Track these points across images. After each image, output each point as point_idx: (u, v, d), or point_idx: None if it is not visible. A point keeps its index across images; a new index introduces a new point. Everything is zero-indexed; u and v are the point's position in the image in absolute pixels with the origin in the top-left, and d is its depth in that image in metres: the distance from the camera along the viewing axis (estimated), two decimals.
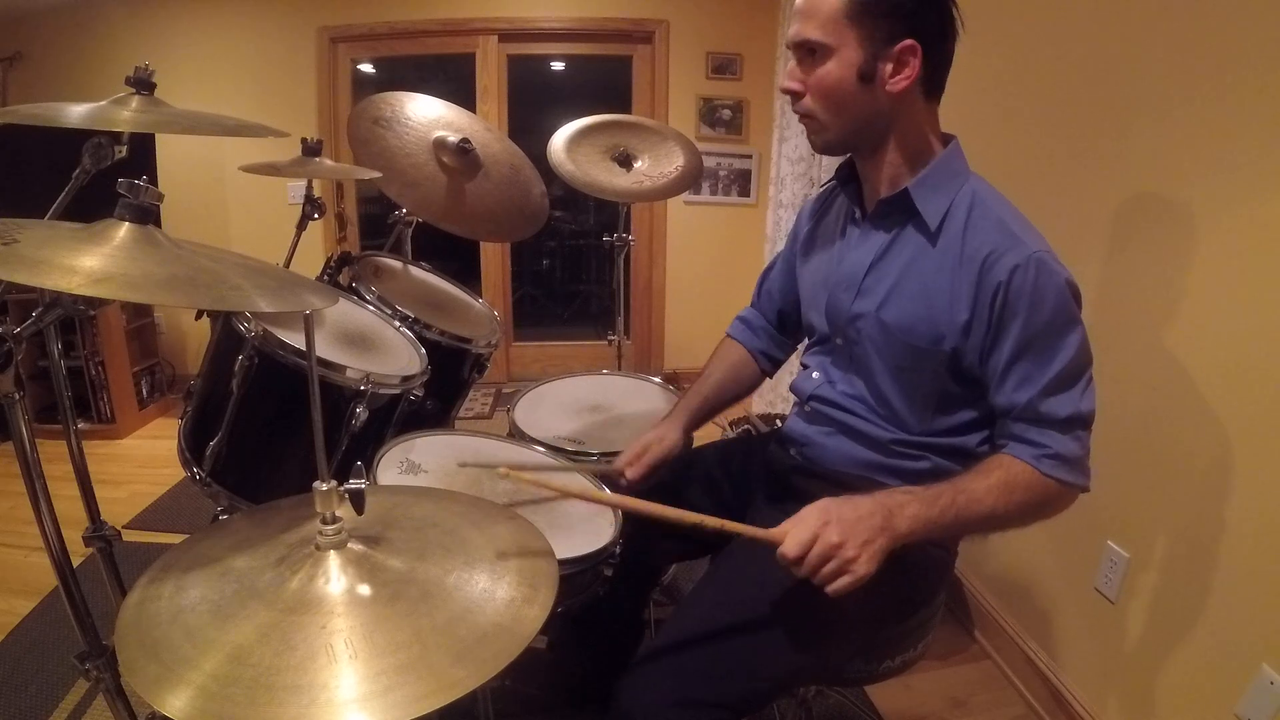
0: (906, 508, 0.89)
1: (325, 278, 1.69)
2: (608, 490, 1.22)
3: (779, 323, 1.32)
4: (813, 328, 1.18)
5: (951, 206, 0.98)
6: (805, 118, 1.00)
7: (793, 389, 1.21)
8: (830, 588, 0.85)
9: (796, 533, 0.85)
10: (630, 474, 1.16)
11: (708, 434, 1.30)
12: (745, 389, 1.32)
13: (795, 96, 0.99)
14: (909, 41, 0.91)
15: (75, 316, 0.77)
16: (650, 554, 1.30)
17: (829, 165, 2.75)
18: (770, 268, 1.33)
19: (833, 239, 1.14)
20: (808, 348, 1.22)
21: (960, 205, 0.98)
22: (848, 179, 1.11)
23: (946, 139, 1.03)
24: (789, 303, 1.29)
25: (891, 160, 1.01)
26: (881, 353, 1.04)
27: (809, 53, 0.95)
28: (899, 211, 1.02)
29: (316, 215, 1.79)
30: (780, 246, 1.35)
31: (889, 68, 0.93)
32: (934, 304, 0.98)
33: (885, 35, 0.91)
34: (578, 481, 1.25)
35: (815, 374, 1.16)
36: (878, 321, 1.03)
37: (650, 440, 1.19)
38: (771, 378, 1.37)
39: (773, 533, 0.87)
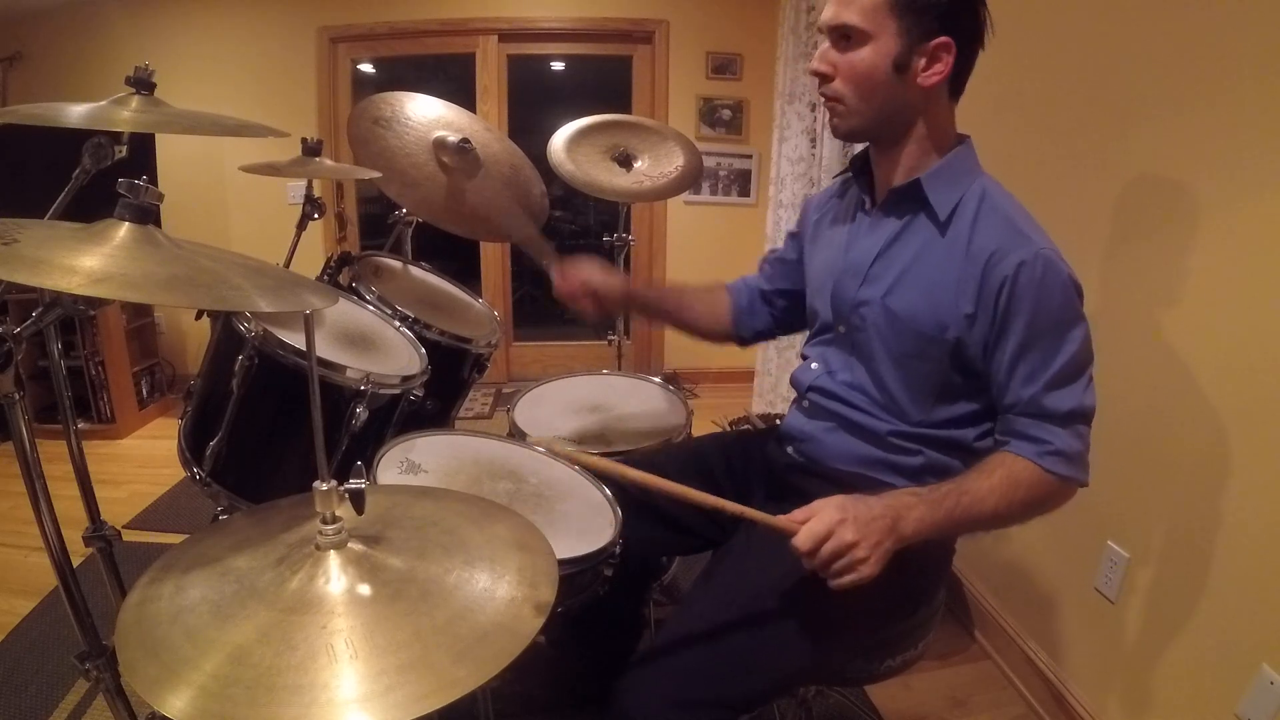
0: (913, 510, 0.90)
1: (325, 278, 1.69)
2: (608, 491, 1.22)
3: (775, 295, 1.33)
4: (815, 315, 1.19)
5: (961, 201, 0.99)
6: (832, 101, 1.01)
7: (792, 382, 1.21)
8: (835, 583, 0.86)
9: (812, 525, 0.86)
10: (558, 279, 1.26)
11: (707, 431, 1.30)
12: (701, 325, 1.36)
13: (824, 79, 1.00)
14: (945, 39, 0.93)
15: (75, 316, 0.77)
16: (650, 552, 1.30)
17: (829, 165, 2.76)
18: (774, 250, 1.35)
19: (842, 228, 1.15)
20: (809, 339, 1.22)
21: (970, 200, 0.99)
22: (861, 169, 1.12)
23: (961, 138, 1.04)
24: (789, 281, 1.30)
25: (910, 153, 1.02)
26: (885, 340, 1.05)
27: (844, 37, 0.96)
28: (909, 200, 1.03)
29: (316, 215, 1.79)
30: (780, 246, 1.36)
31: (923, 62, 0.94)
32: (939, 294, 0.99)
33: (924, 30, 0.93)
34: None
35: (815, 364, 1.16)
36: (883, 308, 1.04)
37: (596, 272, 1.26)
38: (740, 344, 1.39)
39: (786, 522, 0.88)
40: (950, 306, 0.98)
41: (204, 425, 1.34)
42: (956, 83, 0.99)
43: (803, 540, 0.86)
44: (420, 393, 1.43)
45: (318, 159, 1.64)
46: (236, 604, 0.69)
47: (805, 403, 1.17)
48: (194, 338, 3.63)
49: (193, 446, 1.35)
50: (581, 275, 1.27)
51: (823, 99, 1.03)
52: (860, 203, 1.13)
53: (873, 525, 0.87)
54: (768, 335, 1.37)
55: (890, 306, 1.03)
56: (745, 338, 1.36)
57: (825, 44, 1.00)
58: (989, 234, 0.96)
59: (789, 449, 1.19)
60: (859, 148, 1.12)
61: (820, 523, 0.86)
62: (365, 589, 0.71)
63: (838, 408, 1.11)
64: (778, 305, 1.33)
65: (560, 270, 1.29)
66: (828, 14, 0.98)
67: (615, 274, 1.31)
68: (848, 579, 0.86)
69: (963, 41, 0.95)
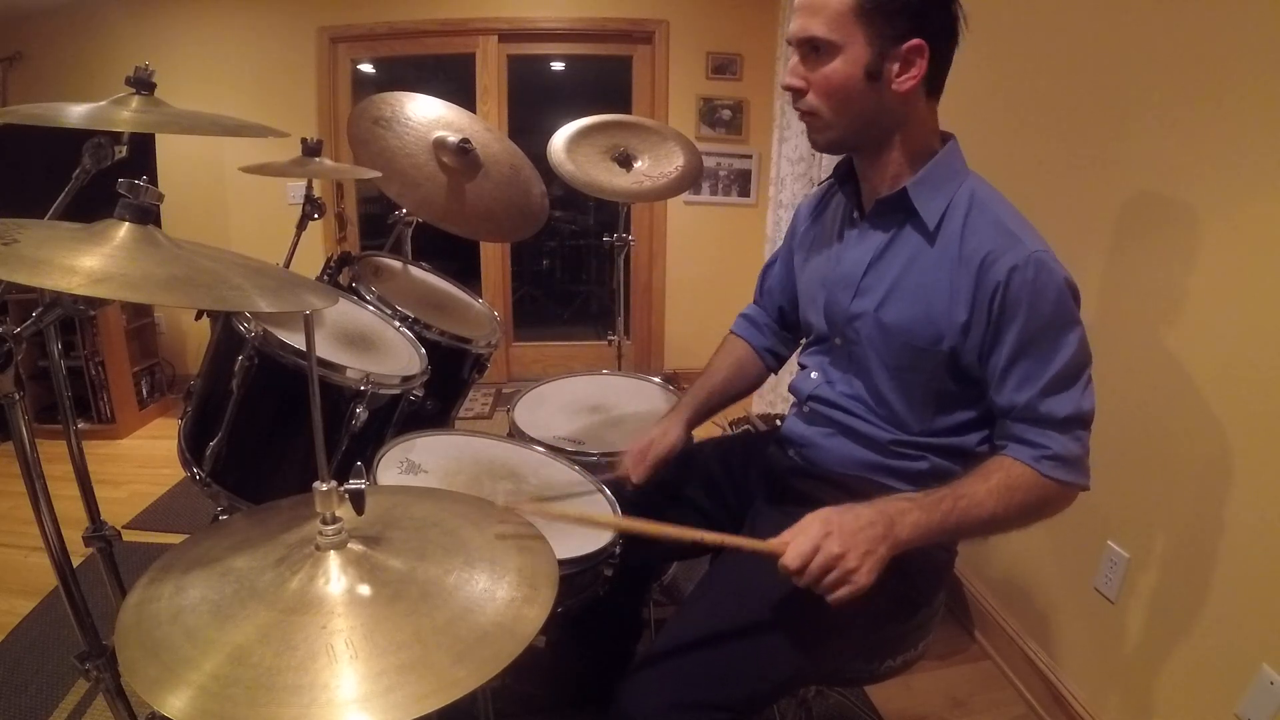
0: (907, 515, 0.89)
1: (325, 278, 1.69)
2: (607, 491, 1.22)
3: (780, 319, 1.32)
4: (810, 327, 1.18)
5: (950, 206, 0.98)
6: (808, 115, 0.99)
7: (791, 390, 1.21)
8: (831, 597, 0.85)
9: (798, 544, 0.85)
10: (635, 478, 1.15)
11: (707, 432, 1.30)
12: (750, 386, 1.32)
13: (797, 94, 0.98)
14: (917, 41, 0.91)
15: (75, 316, 0.77)
16: (650, 554, 1.30)
17: (828, 165, 2.76)
18: (770, 264, 1.33)
19: (831, 238, 1.14)
20: (805, 348, 1.22)
21: (958, 205, 0.98)
22: (845, 178, 1.11)
23: (945, 138, 1.02)
24: (788, 299, 1.28)
25: (894, 160, 1.00)
26: (880, 353, 1.04)
27: (813, 49, 0.94)
28: (897, 211, 1.02)
29: (316, 215, 1.79)
30: (772, 263, 1.34)
31: (896, 67, 0.92)
32: (932, 304, 0.98)
33: (893, 34, 0.91)
34: (577, 507, 1.22)
35: (814, 374, 1.15)
36: (876, 321, 1.03)
37: (653, 437, 1.18)
38: (776, 374, 1.37)
39: (773, 544, 0.87)
40: (944, 316, 0.97)
41: (204, 425, 1.34)
42: (934, 83, 0.97)
43: (790, 559, 0.84)
44: (420, 393, 1.43)
45: (318, 159, 1.64)
46: (236, 604, 0.69)
47: (805, 409, 1.16)
48: (194, 338, 3.63)
49: (193, 447, 1.35)
50: (650, 459, 1.17)
51: (798, 113, 1.00)
52: (848, 212, 1.11)
53: (860, 535, 0.85)
54: (793, 351, 1.35)
55: (883, 319, 1.02)
56: (778, 367, 1.35)
57: (795, 58, 0.97)
58: (980, 237, 0.95)
59: (790, 452, 1.18)
60: None
61: (806, 539, 0.85)
62: (365, 589, 0.71)
63: (838, 416, 1.11)
64: (790, 325, 1.32)
65: (625, 470, 1.18)
66: (794, 27, 0.95)
67: (672, 422, 1.22)
68: (843, 592, 0.84)
69: (936, 41, 0.92)
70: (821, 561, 0.84)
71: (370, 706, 0.59)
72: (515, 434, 1.47)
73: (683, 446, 1.20)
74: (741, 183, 3.73)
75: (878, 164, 1.02)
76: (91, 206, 0.84)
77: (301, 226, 1.79)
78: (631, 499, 1.20)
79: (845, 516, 0.87)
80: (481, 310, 1.92)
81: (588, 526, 1.11)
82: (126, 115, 0.97)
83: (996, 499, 0.92)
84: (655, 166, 1.98)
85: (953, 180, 0.99)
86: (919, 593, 1.08)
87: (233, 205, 3.58)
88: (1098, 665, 1.55)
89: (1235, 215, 1.22)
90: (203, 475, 1.32)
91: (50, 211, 0.99)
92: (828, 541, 0.84)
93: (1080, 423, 0.95)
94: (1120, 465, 1.43)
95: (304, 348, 1.24)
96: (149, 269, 0.68)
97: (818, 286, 1.14)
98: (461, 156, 1.81)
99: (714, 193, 3.74)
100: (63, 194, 1.01)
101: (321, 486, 0.74)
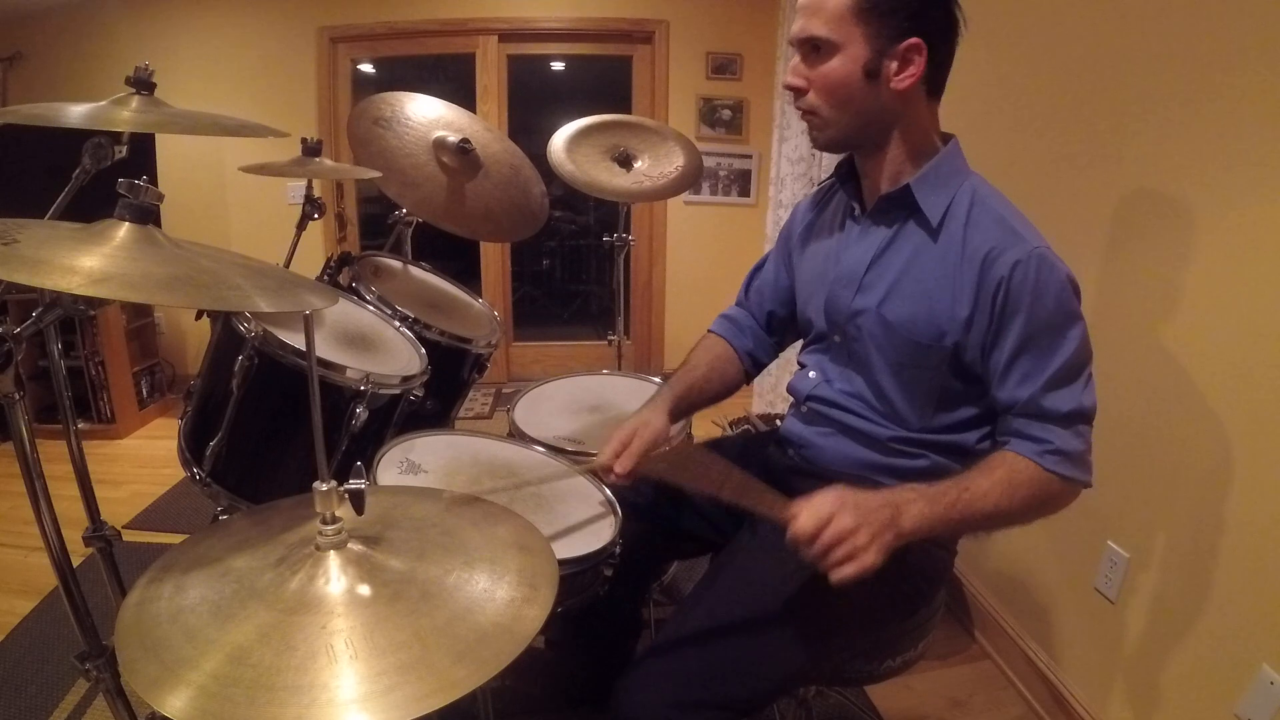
0: (913, 505, 0.89)
1: (325, 278, 1.69)
2: (608, 492, 1.22)
3: (767, 323, 1.30)
4: (810, 325, 1.18)
5: (952, 203, 0.98)
6: (808, 114, 1.00)
7: (790, 390, 1.20)
8: (835, 574, 0.83)
9: (811, 510, 0.85)
10: (619, 467, 1.10)
11: (707, 434, 1.29)
12: (728, 387, 1.27)
13: (798, 93, 0.99)
14: (914, 40, 0.92)
15: (75, 316, 0.77)
16: (650, 554, 1.30)
17: (828, 165, 2.75)
18: (759, 267, 1.32)
19: (831, 236, 1.14)
20: (804, 346, 1.22)
21: (961, 202, 0.98)
22: (847, 176, 1.11)
23: (946, 138, 1.03)
24: (779, 303, 1.27)
25: (893, 158, 1.01)
26: (882, 349, 1.04)
27: (813, 49, 0.95)
28: (900, 208, 1.02)
29: (316, 215, 1.80)
30: (763, 266, 1.32)
31: (894, 65, 0.93)
32: (935, 300, 0.98)
33: (891, 33, 0.92)
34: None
35: (812, 373, 1.15)
36: (879, 318, 1.03)
37: (635, 426, 1.12)
38: (750, 383, 1.33)
39: (785, 513, 0.86)
40: (946, 312, 0.97)
41: (204, 425, 1.34)
42: (934, 82, 0.98)
43: (803, 524, 0.83)
44: (420, 393, 1.43)
45: (318, 159, 1.64)
46: (236, 604, 0.69)
47: (804, 409, 1.16)
48: (194, 338, 3.64)
49: (193, 446, 1.35)
50: (635, 449, 1.09)
51: (799, 112, 1.02)
52: (850, 209, 1.11)
53: (873, 514, 0.85)
54: (773, 358, 1.33)
55: (886, 316, 1.02)
56: (756, 373, 1.32)
57: (796, 57, 0.98)
58: (983, 234, 0.95)
59: (789, 452, 1.18)
60: None
61: (819, 508, 0.85)
62: (365, 589, 0.71)
63: (838, 415, 1.10)
64: (776, 329, 1.30)
65: (606, 462, 1.10)
66: (796, 27, 0.97)
67: (653, 411, 1.15)
68: (848, 569, 0.83)
69: (934, 40, 0.93)
70: (834, 532, 0.83)
71: (370, 706, 0.59)
72: (515, 434, 1.47)
73: (667, 437, 1.15)
74: (741, 183, 3.73)
75: (878, 162, 1.02)
76: (91, 206, 0.84)
77: (301, 226, 1.79)
78: (633, 502, 1.20)
79: (859, 495, 0.87)
80: (481, 310, 1.92)
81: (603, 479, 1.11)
82: (126, 115, 0.97)
83: (1000, 492, 0.92)
84: (655, 166, 1.98)
85: (955, 178, 1.00)
86: (919, 592, 1.08)
87: (233, 205, 3.58)
88: (1098, 665, 1.55)
89: (1235, 214, 1.22)
90: (203, 475, 1.32)
91: (50, 211, 0.99)
92: (841, 515, 0.84)
93: (1082, 418, 0.95)
94: (1120, 465, 1.43)
95: (304, 348, 1.24)
96: (149, 269, 0.68)
97: (817, 284, 1.14)
98: (461, 156, 1.81)
99: (714, 193, 3.74)
100: (63, 194, 1.01)
101: (321, 486, 0.74)
